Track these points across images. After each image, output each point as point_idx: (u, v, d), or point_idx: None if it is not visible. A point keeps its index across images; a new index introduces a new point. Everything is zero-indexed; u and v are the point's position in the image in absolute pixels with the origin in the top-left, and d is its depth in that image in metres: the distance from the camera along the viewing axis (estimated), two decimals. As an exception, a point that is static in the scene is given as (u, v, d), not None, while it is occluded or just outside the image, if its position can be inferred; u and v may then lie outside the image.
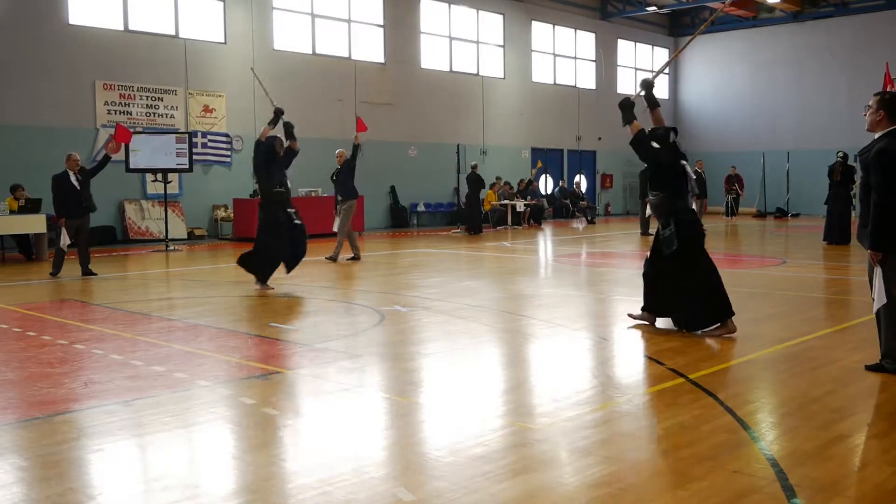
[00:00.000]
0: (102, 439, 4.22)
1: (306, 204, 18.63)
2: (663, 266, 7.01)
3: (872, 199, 5.25)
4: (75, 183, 11.43)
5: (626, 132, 7.35)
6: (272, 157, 9.97)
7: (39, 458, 3.92)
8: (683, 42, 32.48)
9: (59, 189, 11.49)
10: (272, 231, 9.91)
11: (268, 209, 9.95)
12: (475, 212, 20.62)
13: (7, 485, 3.60)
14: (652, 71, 32.02)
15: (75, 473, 3.81)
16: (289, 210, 10.02)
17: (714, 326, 6.82)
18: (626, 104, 7.33)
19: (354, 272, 12.13)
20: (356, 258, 13.45)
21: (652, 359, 6.07)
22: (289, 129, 10.43)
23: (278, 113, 10.37)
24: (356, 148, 13.52)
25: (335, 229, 13.40)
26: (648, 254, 7.33)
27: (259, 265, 9.96)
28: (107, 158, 11.99)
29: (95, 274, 11.43)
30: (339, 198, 13.53)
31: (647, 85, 7.45)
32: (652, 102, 7.38)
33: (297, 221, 10.05)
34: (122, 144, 13.92)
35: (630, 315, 7.48)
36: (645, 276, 7.29)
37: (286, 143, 10.22)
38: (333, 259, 13.24)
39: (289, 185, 10.20)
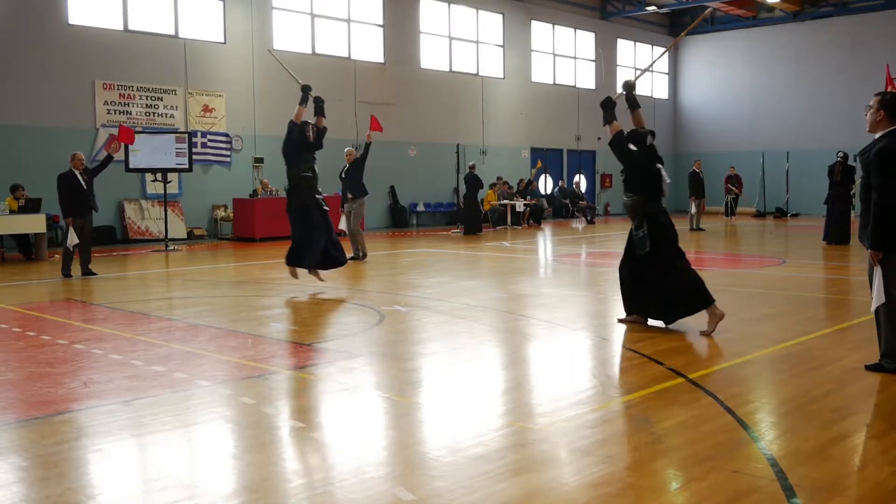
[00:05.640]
0: (102, 439, 4.22)
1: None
2: (638, 268, 7.07)
3: (872, 198, 5.26)
4: (82, 182, 11.39)
5: (626, 131, 7.37)
6: (303, 141, 9.78)
7: (39, 458, 3.92)
8: (684, 41, 32.50)
9: (67, 188, 11.38)
10: (304, 216, 9.75)
11: (296, 195, 9.77)
12: (473, 212, 20.62)
13: (7, 485, 3.60)
14: (652, 71, 32.02)
15: (75, 473, 3.81)
16: (317, 196, 9.81)
17: (703, 315, 6.88)
18: (608, 104, 7.38)
19: (354, 272, 12.13)
20: (361, 257, 13.48)
21: (652, 359, 6.07)
22: (319, 104, 10.18)
23: (306, 90, 9.98)
24: (368, 146, 13.57)
25: (342, 227, 13.42)
26: (622, 256, 7.34)
27: (299, 253, 9.80)
28: (109, 158, 11.96)
29: (95, 274, 11.43)
30: (349, 196, 13.57)
31: (629, 86, 7.48)
32: (632, 104, 7.41)
33: (325, 207, 9.87)
34: (123, 144, 13.88)
35: (620, 321, 7.48)
36: (622, 280, 7.32)
37: (314, 120, 10.03)
38: (362, 257, 13.33)
39: (316, 170, 9.99)
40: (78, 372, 5.72)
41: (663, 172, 7.13)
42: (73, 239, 11.28)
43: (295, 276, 10.09)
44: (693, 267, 7.13)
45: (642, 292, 7.13)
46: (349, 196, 13.55)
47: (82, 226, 11.44)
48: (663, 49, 32.35)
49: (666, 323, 7.06)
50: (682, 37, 9.17)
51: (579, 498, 3.41)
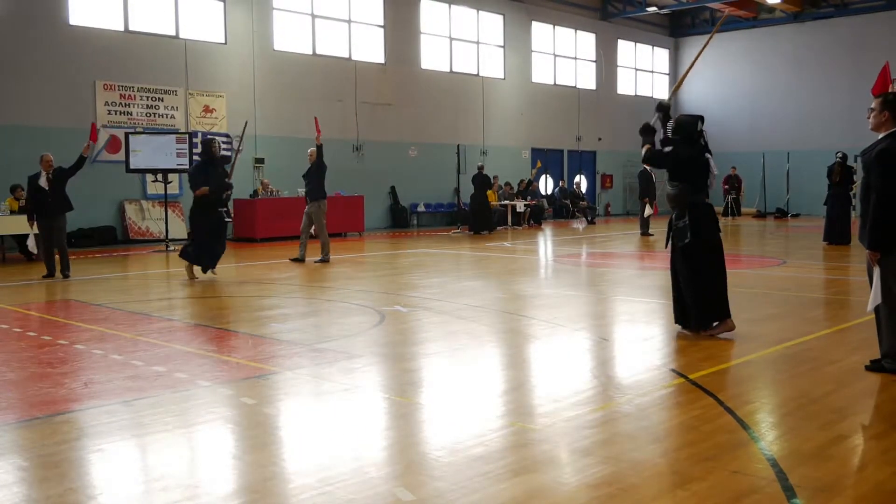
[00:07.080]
0: (102, 439, 4.23)
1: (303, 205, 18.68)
2: (677, 262, 6.86)
3: (872, 198, 5.26)
4: (44, 184, 11.43)
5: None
6: (210, 160, 11.19)
7: (40, 459, 3.93)
8: (685, 42, 32.55)
9: (28, 190, 11.62)
10: (215, 225, 11.20)
11: (207, 207, 11.10)
12: (484, 212, 20.63)
13: (7, 485, 3.60)
14: (653, 71, 32.06)
15: (75, 473, 3.82)
16: (220, 209, 11.25)
17: (713, 325, 6.80)
18: (646, 129, 7.13)
19: (354, 272, 12.14)
20: (301, 259, 13.42)
21: (652, 359, 6.07)
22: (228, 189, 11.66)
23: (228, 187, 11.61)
24: (320, 148, 13.52)
25: (306, 230, 13.48)
26: (670, 257, 7.04)
27: (198, 254, 11.12)
28: (82, 159, 11.78)
29: (68, 276, 11.23)
30: (307, 199, 13.54)
31: (664, 108, 7.24)
32: (666, 124, 7.23)
33: (227, 220, 11.37)
34: (95, 144, 13.56)
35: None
36: (674, 288, 7.02)
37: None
38: (325, 260, 13.22)
39: (231, 183, 11.75)
40: (78, 372, 5.73)
41: (712, 163, 6.88)
42: (31, 242, 11.63)
43: (192, 275, 11.12)
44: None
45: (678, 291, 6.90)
46: (307, 199, 13.54)
47: (51, 227, 11.42)
48: (673, 51, 32.40)
49: (690, 331, 6.83)
50: (712, 35, 9.11)
51: (579, 498, 3.41)
